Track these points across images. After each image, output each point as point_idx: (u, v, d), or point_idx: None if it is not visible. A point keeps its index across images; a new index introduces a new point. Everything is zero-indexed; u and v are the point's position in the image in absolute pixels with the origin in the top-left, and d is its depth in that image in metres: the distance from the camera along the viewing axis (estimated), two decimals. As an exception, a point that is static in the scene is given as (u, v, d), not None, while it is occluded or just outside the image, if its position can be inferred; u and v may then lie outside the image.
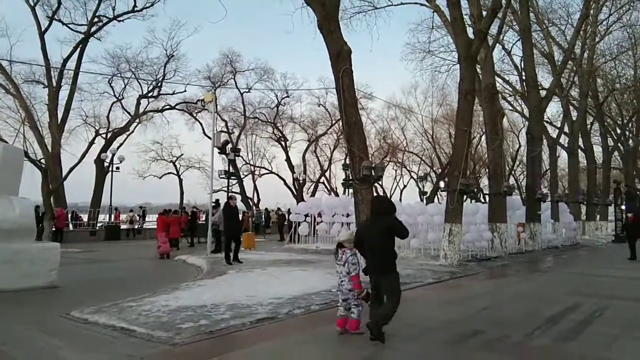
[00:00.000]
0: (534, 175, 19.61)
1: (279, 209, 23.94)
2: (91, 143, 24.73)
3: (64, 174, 24.74)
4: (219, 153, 16.60)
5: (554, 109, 49.95)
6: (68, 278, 10.29)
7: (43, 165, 17.78)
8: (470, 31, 14.69)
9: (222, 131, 35.62)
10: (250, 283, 9.07)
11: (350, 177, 10.35)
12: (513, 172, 46.07)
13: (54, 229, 21.81)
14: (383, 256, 5.43)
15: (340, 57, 10.03)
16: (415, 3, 20.50)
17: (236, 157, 18.26)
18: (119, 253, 17.56)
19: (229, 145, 16.82)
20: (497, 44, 25.89)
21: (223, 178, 17.95)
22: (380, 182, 44.70)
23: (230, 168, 17.67)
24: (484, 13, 14.81)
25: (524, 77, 21.98)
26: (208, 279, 9.73)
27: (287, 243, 19.14)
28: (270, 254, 15.52)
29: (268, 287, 8.62)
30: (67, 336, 5.64)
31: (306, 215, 18.98)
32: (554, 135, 28.78)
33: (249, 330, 5.91)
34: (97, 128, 25.95)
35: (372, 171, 9.90)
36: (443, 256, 13.01)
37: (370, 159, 11.58)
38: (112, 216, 25.14)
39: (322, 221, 18.80)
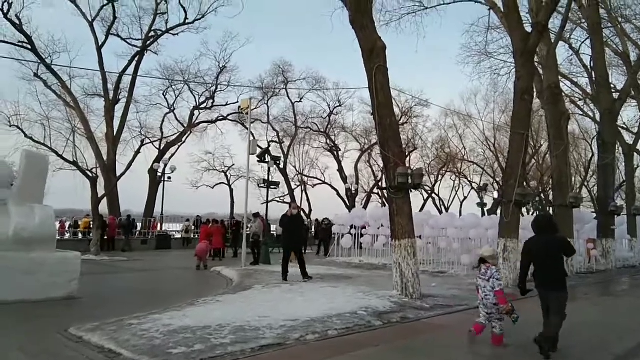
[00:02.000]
0: (607, 186, 17.56)
1: (324, 219, 22.83)
2: (137, 152, 25.36)
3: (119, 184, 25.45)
4: (257, 161, 16.18)
5: (630, 113, 45.88)
6: (94, 289, 10.10)
7: (92, 175, 18.15)
8: (529, 29, 13.32)
9: (272, 141, 35.74)
10: (271, 301, 8.31)
11: (375, 183, 9.35)
12: (586, 183, 42.46)
13: (105, 237, 22.35)
14: (557, 272, 5.52)
15: (374, 53, 9.15)
16: (470, 0, 19.08)
17: (277, 166, 17.69)
18: (161, 262, 17.49)
19: (272, 154, 16.29)
20: (564, 43, 23.87)
21: (262, 187, 17.45)
22: (431, 190, 42.88)
23: (271, 177, 17.14)
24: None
25: (594, 78, 19.87)
26: (230, 294, 9.08)
27: (330, 256, 18.29)
28: (308, 267, 14.70)
29: (288, 306, 7.82)
30: (48, 358, 5.13)
31: (351, 227, 18.05)
32: (631, 142, 25.93)
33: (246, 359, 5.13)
34: (142, 138, 26.53)
35: (409, 178, 8.87)
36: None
37: (417, 166, 10.49)
38: (150, 225, 25.44)
39: (367, 233, 17.78)
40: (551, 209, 32.13)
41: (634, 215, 20.78)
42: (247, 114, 13.74)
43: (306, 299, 8.55)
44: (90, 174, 18.53)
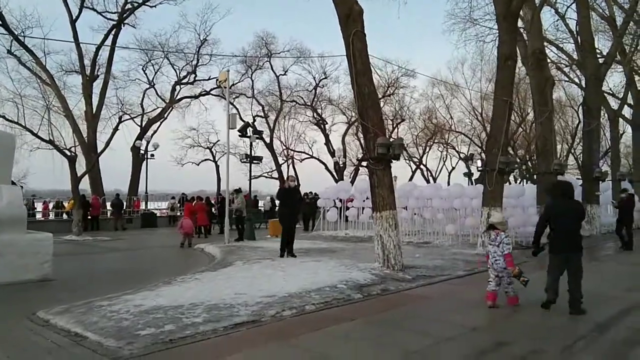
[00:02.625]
0: (591, 152, 17.50)
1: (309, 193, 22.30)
2: (115, 129, 24.77)
3: (100, 162, 25.01)
4: (239, 136, 15.83)
5: (616, 79, 45.74)
6: (70, 270, 9.91)
7: (70, 154, 17.64)
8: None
9: (257, 115, 35.19)
10: (251, 277, 8.13)
11: (363, 157, 9.11)
12: (573, 151, 42.64)
13: (89, 217, 22.06)
14: (576, 235, 5.91)
15: (351, 18, 8.77)
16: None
17: (262, 140, 17.31)
18: (144, 241, 17.26)
19: (250, 128, 15.90)
20: (550, 7, 23.45)
21: (245, 162, 17.11)
22: (419, 161, 42.82)
23: (256, 152, 16.81)
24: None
25: (579, 42, 19.58)
26: (209, 272, 8.90)
27: (316, 230, 18.17)
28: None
29: (267, 282, 7.66)
30: (10, 345, 4.92)
31: (339, 200, 17.88)
32: (617, 108, 25.86)
33: (217, 339, 4.96)
34: (120, 114, 25.82)
35: (389, 149, 8.63)
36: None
37: (405, 138, 10.18)
38: (133, 204, 25.13)
39: (352, 206, 17.63)
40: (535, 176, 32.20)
41: (619, 181, 20.84)
42: (225, 87, 13.35)
43: (287, 274, 8.40)
44: (69, 153, 18.02)
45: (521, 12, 16.42)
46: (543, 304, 5.91)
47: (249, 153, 15.26)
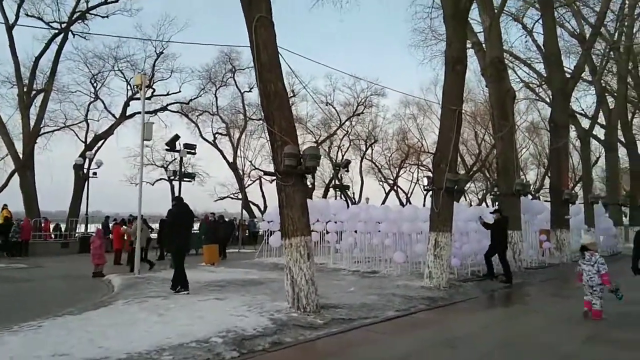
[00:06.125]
0: (560, 172, 16.12)
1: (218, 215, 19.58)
2: (33, 144, 22.60)
3: (36, 180, 22.96)
4: (167, 150, 14.11)
5: (589, 100, 45.27)
6: None
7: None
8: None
9: (218, 132, 33.37)
10: (108, 325, 6.22)
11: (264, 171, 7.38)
12: (549, 175, 41.67)
13: (19, 240, 19.85)
14: None
15: (253, 3, 7.23)
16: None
17: (189, 155, 15.60)
18: (59, 269, 15.03)
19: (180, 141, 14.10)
20: (517, 23, 22.57)
21: (173, 179, 15.32)
22: (393, 182, 41.33)
23: (183, 168, 14.99)
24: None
25: (545, 55, 18.45)
26: (69, 316, 6.94)
27: (258, 257, 16.28)
28: (223, 271, 12.81)
29: (123, 333, 5.81)
30: None
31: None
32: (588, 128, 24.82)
33: None
34: (39, 127, 23.49)
35: (300, 160, 6.97)
36: (427, 275, 9.91)
37: (314, 145, 8.60)
38: (42, 225, 22.80)
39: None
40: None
41: (591, 204, 19.53)
42: (141, 91, 11.72)
43: (161, 319, 6.56)
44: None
45: (480, 20, 15.22)
46: None
47: (178, 169, 13.49)
